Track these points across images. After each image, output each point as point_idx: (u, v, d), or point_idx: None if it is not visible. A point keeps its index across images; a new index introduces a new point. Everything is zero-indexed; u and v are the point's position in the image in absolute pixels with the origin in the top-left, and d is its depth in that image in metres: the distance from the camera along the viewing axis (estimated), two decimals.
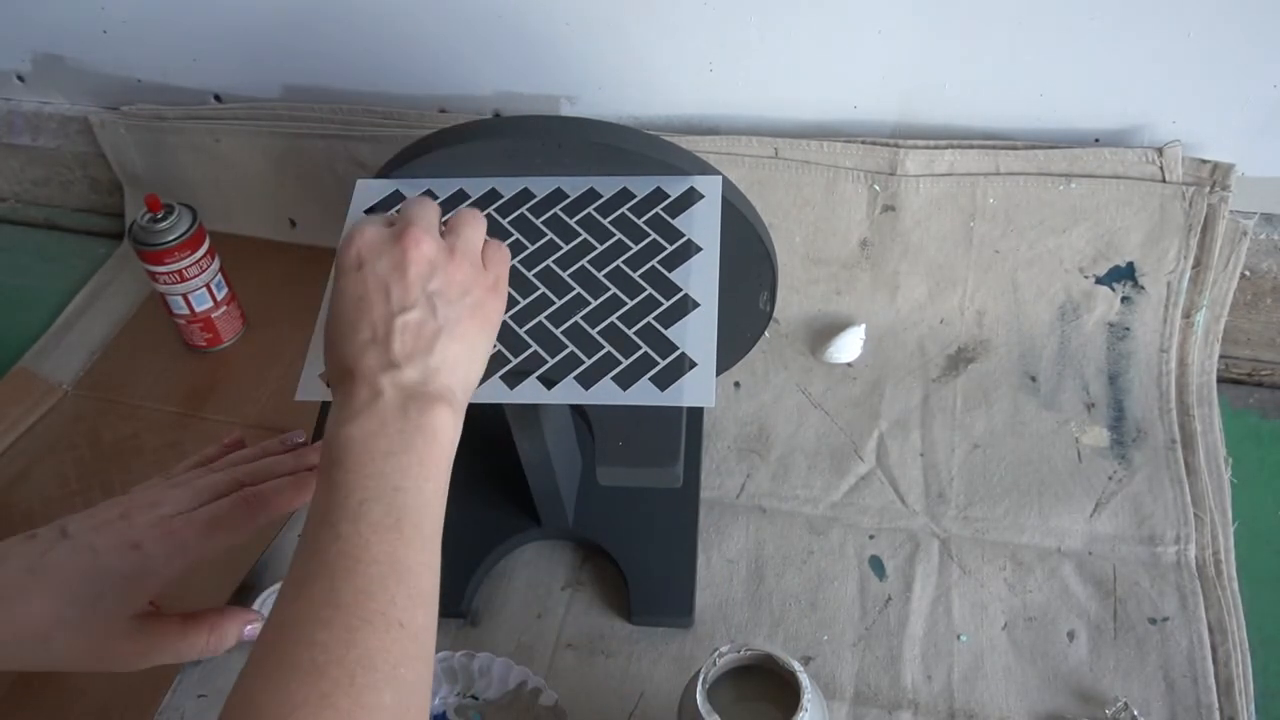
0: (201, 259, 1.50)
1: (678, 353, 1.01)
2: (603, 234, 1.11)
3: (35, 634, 0.94)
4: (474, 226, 0.98)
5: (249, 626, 1.10)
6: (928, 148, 1.42)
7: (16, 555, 0.96)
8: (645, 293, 1.06)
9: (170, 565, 0.98)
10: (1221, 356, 1.44)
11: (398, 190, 1.17)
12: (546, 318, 1.05)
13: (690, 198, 1.12)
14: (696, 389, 0.99)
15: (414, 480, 0.84)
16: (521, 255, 1.10)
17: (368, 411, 0.85)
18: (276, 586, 1.20)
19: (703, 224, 1.10)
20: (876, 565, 1.27)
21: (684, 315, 1.03)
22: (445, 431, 0.87)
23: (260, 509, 1.02)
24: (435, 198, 1.16)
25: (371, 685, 0.73)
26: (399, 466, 0.83)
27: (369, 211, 1.17)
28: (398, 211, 1.00)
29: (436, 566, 0.84)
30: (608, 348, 1.02)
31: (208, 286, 1.52)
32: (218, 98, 1.69)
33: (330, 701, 0.71)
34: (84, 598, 0.95)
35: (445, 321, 0.91)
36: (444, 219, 1.00)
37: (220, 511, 1.01)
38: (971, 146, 1.42)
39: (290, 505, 1.03)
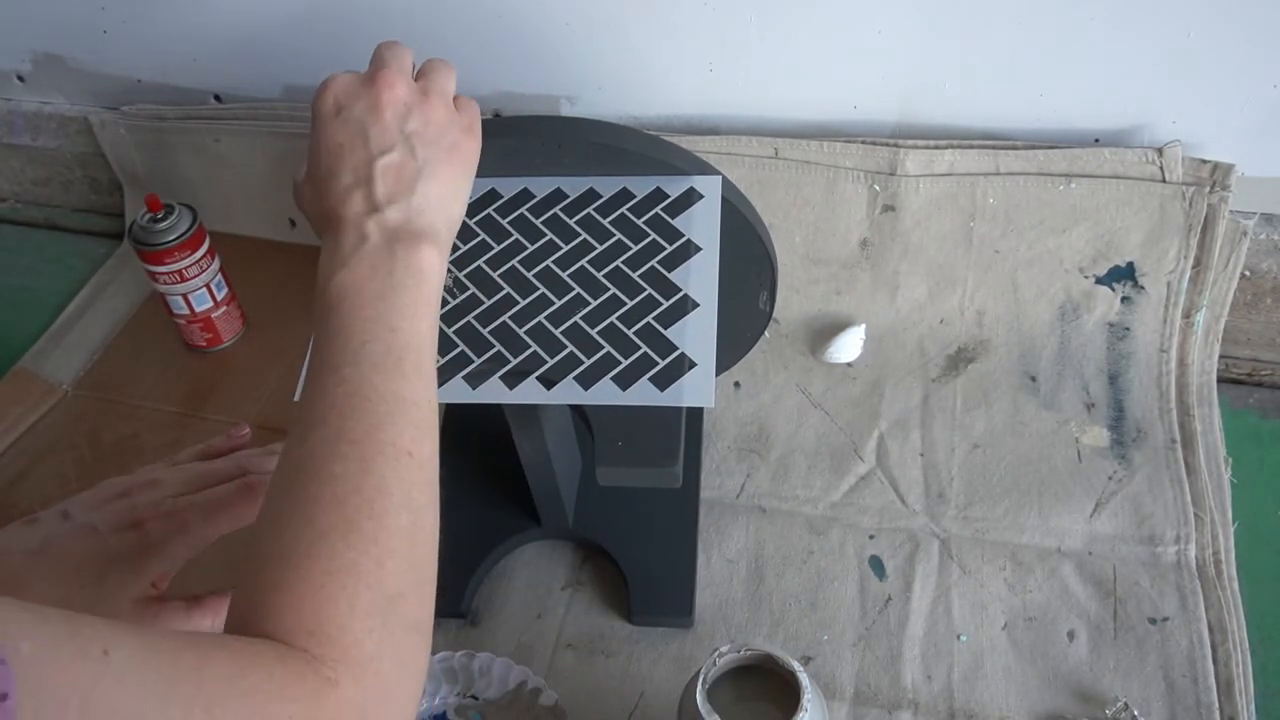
0: (201, 259, 1.50)
1: (677, 353, 1.01)
2: (602, 234, 1.11)
3: None
4: (445, 72, 0.97)
5: None
6: (928, 148, 1.42)
7: (18, 539, 0.96)
8: (645, 293, 1.06)
9: (171, 545, 0.97)
10: (1221, 356, 1.44)
11: None
12: (546, 318, 1.05)
13: (690, 198, 1.12)
14: (696, 389, 0.99)
15: (408, 319, 0.85)
16: (521, 255, 1.10)
17: (355, 256, 0.86)
18: None
19: (702, 224, 1.10)
20: (876, 565, 1.28)
21: (683, 315, 1.04)
22: (433, 269, 0.88)
23: (261, 496, 1.01)
24: None
25: (389, 509, 0.76)
26: (393, 307, 0.84)
27: None
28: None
29: (435, 400, 0.85)
30: (607, 348, 1.02)
31: (208, 286, 1.52)
32: (218, 98, 1.69)
33: (355, 525, 0.74)
34: (87, 578, 0.95)
35: (424, 162, 0.91)
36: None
37: (222, 495, 1.00)
38: (971, 146, 1.42)
39: None
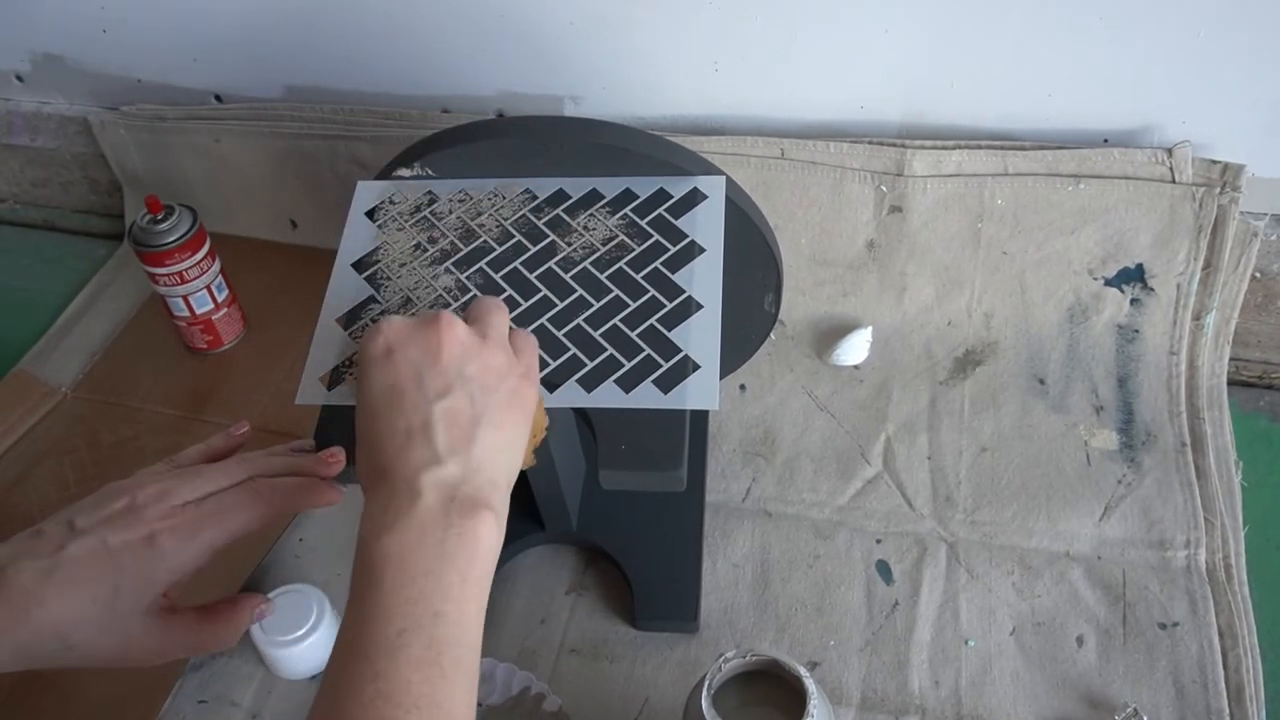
0: (202, 260, 1.50)
1: (681, 355, 1.01)
2: (605, 235, 1.11)
3: (54, 633, 0.93)
4: (499, 314, 0.95)
5: (257, 609, 1.09)
6: (935, 148, 1.42)
7: (27, 554, 0.95)
8: (648, 295, 1.06)
9: (182, 555, 0.97)
10: (1231, 359, 1.44)
11: (399, 191, 1.17)
12: (548, 320, 1.05)
13: (694, 198, 1.12)
14: (700, 392, 0.99)
15: (455, 602, 0.80)
16: (524, 257, 1.10)
17: (405, 519, 0.81)
18: (277, 592, 1.21)
19: (707, 225, 1.10)
20: (883, 570, 1.28)
21: (687, 317, 1.04)
22: (488, 541, 0.84)
23: (269, 501, 1.00)
24: (436, 199, 1.16)
25: None
26: (440, 587, 0.80)
27: (369, 213, 1.17)
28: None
29: (474, 703, 0.81)
30: (610, 350, 1.03)
31: (208, 288, 1.52)
32: (218, 98, 1.69)
33: None
34: (101, 595, 0.95)
35: (483, 409, 0.87)
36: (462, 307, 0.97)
37: (229, 500, 1.00)
38: (979, 147, 1.42)
39: (298, 505, 1.02)
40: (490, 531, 0.84)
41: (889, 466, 1.37)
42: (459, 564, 0.81)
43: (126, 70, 1.69)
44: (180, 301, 1.52)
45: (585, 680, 1.21)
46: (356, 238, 1.16)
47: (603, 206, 1.14)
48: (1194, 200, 1.37)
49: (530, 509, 1.27)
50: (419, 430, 0.84)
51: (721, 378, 1.06)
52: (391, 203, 1.17)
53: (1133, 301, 1.44)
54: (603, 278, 1.08)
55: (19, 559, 0.95)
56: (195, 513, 0.98)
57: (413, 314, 0.94)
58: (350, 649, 0.78)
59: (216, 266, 1.53)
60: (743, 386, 1.47)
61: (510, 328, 0.96)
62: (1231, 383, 1.43)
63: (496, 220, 1.14)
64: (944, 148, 1.42)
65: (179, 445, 1.26)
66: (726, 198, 1.12)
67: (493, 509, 0.84)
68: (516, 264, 1.10)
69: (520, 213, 1.14)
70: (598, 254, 1.10)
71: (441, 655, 0.78)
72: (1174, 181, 1.38)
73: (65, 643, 0.94)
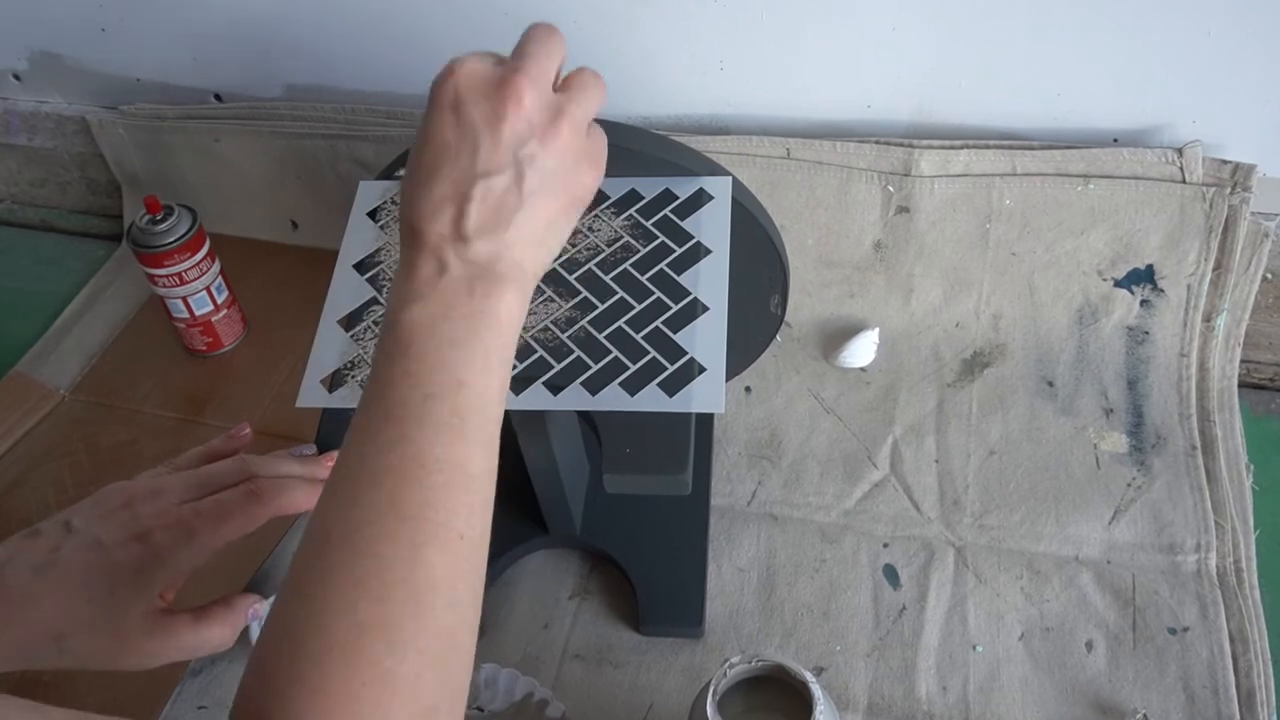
0: (201, 261, 1.50)
1: (686, 358, 1.01)
2: (610, 236, 1.11)
3: (48, 633, 0.94)
4: (593, 92, 0.88)
5: (253, 609, 1.09)
6: (943, 148, 1.43)
7: (23, 554, 0.96)
8: (653, 296, 1.06)
9: (178, 555, 0.98)
10: (1242, 361, 1.44)
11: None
12: (552, 322, 1.06)
13: (700, 199, 1.12)
14: (706, 395, 0.99)
15: (479, 374, 0.80)
16: None
17: (432, 291, 0.80)
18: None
19: (712, 226, 1.10)
20: (890, 574, 1.28)
21: (693, 319, 1.04)
22: (512, 317, 0.83)
23: (269, 501, 1.01)
24: None
25: (435, 608, 0.73)
26: (465, 358, 0.80)
27: (371, 214, 1.17)
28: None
29: (494, 468, 0.81)
30: (615, 353, 1.03)
31: (208, 290, 1.52)
32: (218, 97, 1.69)
33: (398, 626, 0.71)
34: (95, 593, 0.95)
35: (530, 193, 0.82)
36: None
37: (227, 501, 1.00)
38: (987, 147, 1.42)
39: (298, 507, 1.03)
40: (514, 309, 0.83)
41: (896, 470, 1.37)
42: (483, 338, 0.80)
43: (125, 69, 1.69)
44: (179, 303, 1.52)
45: (589, 686, 1.21)
46: (358, 238, 1.16)
47: (607, 207, 1.14)
48: (1204, 200, 1.37)
49: (534, 513, 1.27)
50: (455, 202, 0.81)
51: (727, 380, 1.06)
52: (394, 203, 1.18)
53: (1143, 303, 1.44)
54: (608, 279, 1.08)
55: (15, 559, 0.96)
56: (192, 513, 0.99)
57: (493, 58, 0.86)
58: (377, 412, 0.79)
59: (216, 268, 1.53)
60: (748, 389, 1.47)
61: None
62: (1242, 385, 1.43)
63: None
64: (952, 147, 1.42)
65: (178, 448, 1.27)
66: (733, 198, 1.12)
67: (519, 288, 0.83)
68: None
69: None
70: (602, 255, 1.10)
71: (465, 422, 0.78)
72: (1184, 182, 1.38)
73: (59, 643, 0.95)
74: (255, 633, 1.18)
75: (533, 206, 0.82)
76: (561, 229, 0.87)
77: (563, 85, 0.86)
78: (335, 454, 1.03)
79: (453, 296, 0.80)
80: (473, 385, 0.79)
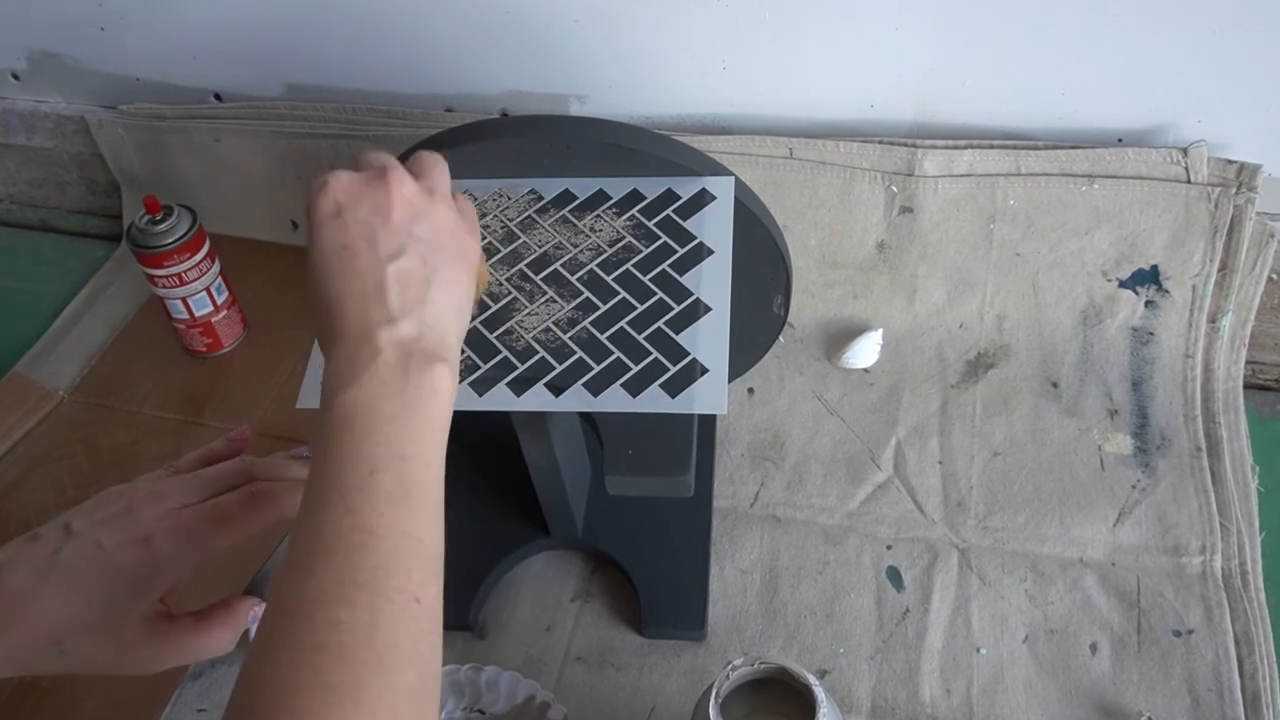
0: (201, 262, 1.50)
1: (689, 358, 1.01)
2: (612, 237, 1.11)
3: (48, 637, 0.94)
4: (442, 168, 0.96)
5: (253, 611, 1.09)
6: (946, 148, 1.43)
7: (23, 558, 0.96)
8: (655, 297, 1.06)
9: (179, 559, 0.97)
10: (1248, 362, 1.44)
11: None
12: (554, 323, 1.06)
13: (702, 199, 1.12)
14: (708, 396, 0.99)
15: (419, 446, 0.82)
16: (529, 258, 1.11)
17: (368, 373, 0.83)
18: None
19: (715, 226, 1.10)
20: (894, 576, 1.28)
21: (695, 320, 1.04)
22: (445, 389, 0.85)
23: (269, 505, 1.01)
24: None
25: (398, 665, 0.74)
26: (404, 432, 0.82)
27: None
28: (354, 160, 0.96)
29: (442, 534, 0.83)
30: (617, 354, 1.03)
31: (208, 290, 1.53)
32: (218, 96, 1.69)
33: (363, 684, 0.72)
34: (95, 597, 0.95)
35: (434, 268, 0.88)
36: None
37: (228, 504, 1.00)
38: (991, 146, 1.42)
39: (298, 509, 1.03)
40: (445, 381, 0.85)
41: (900, 471, 1.37)
42: (421, 411, 0.83)
43: (124, 68, 1.69)
44: (179, 304, 1.52)
45: (591, 689, 1.21)
46: None
47: (609, 207, 1.14)
48: (1209, 201, 1.38)
49: (535, 514, 1.27)
50: (374, 291, 0.85)
51: (730, 381, 1.06)
52: None
53: (1147, 304, 1.44)
54: (609, 280, 1.08)
55: (14, 562, 0.95)
56: (193, 516, 0.99)
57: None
58: (325, 488, 0.80)
59: (216, 268, 1.54)
60: (751, 390, 1.47)
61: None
62: (1247, 386, 1.43)
63: (501, 221, 1.14)
64: (955, 147, 1.43)
65: (178, 450, 1.27)
66: (735, 199, 1.12)
67: (447, 361, 0.86)
68: (522, 266, 1.10)
69: (525, 214, 1.14)
70: (604, 256, 1.10)
71: (410, 491, 0.81)
72: (1189, 182, 1.38)
73: (59, 647, 0.94)
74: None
75: (440, 279, 0.88)
76: (467, 299, 0.93)
77: (416, 171, 0.94)
78: None
79: (387, 377, 0.83)
80: (414, 456, 0.82)
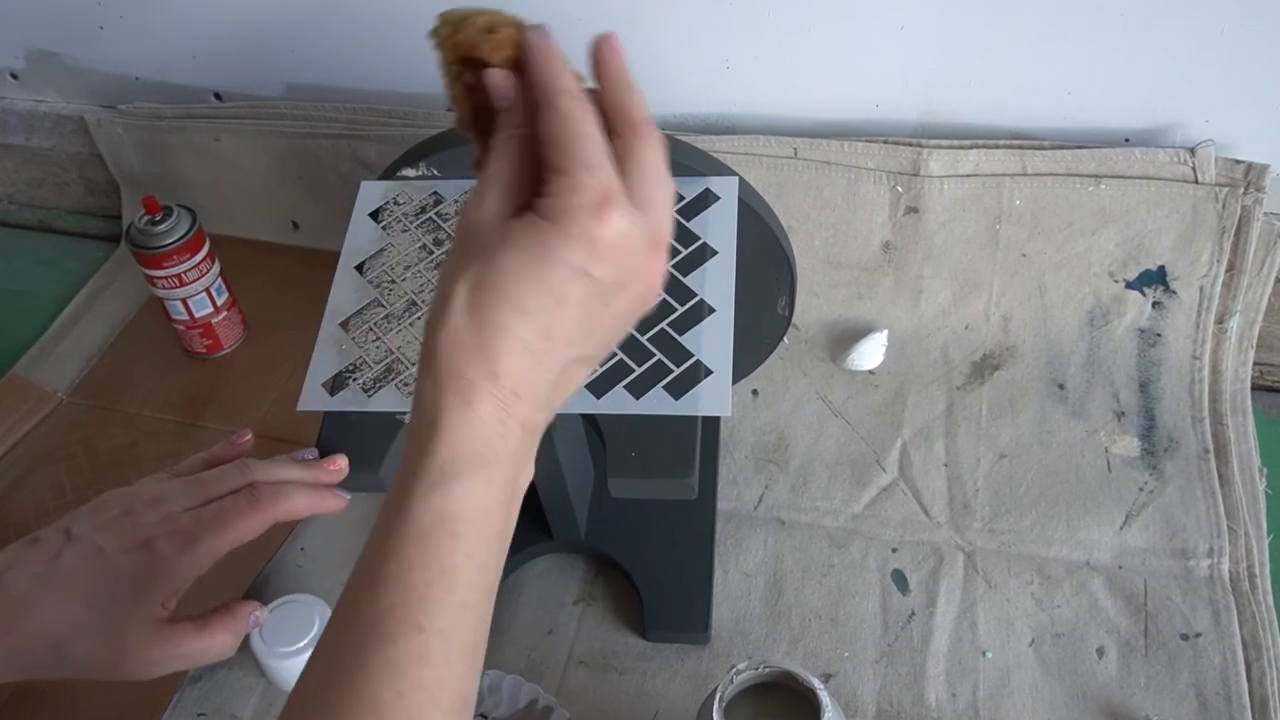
0: (201, 263, 1.50)
1: (692, 360, 1.01)
2: None
3: (48, 641, 0.94)
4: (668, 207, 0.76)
5: (253, 616, 1.09)
6: (952, 148, 1.43)
7: (23, 562, 0.96)
8: (659, 298, 1.06)
9: (180, 563, 0.97)
10: (1256, 363, 1.44)
11: (404, 191, 1.18)
12: None
13: (706, 199, 1.12)
14: (712, 397, 0.99)
15: (498, 576, 0.75)
16: None
17: (497, 462, 0.72)
18: (278, 602, 1.21)
19: (719, 226, 1.10)
20: (899, 579, 1.28)
21: (699, 321, 1.04)
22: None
23: (271, 507, 1.00)
24: (442, 199, 1.17)
25: None
26: (500, 555, 0.74)
27: (373, 214, 1.17)
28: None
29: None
30: (620, 355, 1.03)
31: (207, 291, 1.53)
32: (218, 96, 1.70)
33: None
34: (96, 601, 0.95)
35: (593, 354, 0.76)
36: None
37: (229, 507, 1.00)
38: (997, 146, 1.42)
39: (300, 512, 1.02)
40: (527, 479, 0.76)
41: (905, 474, 1.38)
42: (510, 526, 0.75)
43: (124, 68, 1.69)
44: (179, 305, 1.52)
45: (594, 692, 1.21)
46: (360, 239, 1.16)
47: None
48: (1217, 201, 1.38)
49: (538, 518, 1.27)
50: (543, 363, 0.71)
51: (734, 383, 1.06)
52: (396, 203, 1.18)
53: (1154, 305, 1.44)
54: None
55: (14, 567, 0.95)
56: (194, 520, 0.99)
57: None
58: (397, 608, 0.68)
59: (216, 269, 1.54)
60: (755, 391, 1.47)
61: None
62: (1255, 388, 1.43)
63: None
64: (961, 147, 1.43)
65: (177, 452, 1.27)
66: (739, 199, 1.13)
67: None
68: None
69: None
70: None
71: (480, 642, 0.73)
72: (1197, 182, 1.38)
73: (59, 652, 0.95)
74: (257, 645, 1.18)
75: (582, 369, 0.77)
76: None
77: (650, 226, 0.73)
78: (336, 458, 1.03)
79: (509, 476, 0.73)
80: (492, 594, 0.75)
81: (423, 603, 0.68)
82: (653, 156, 0.74)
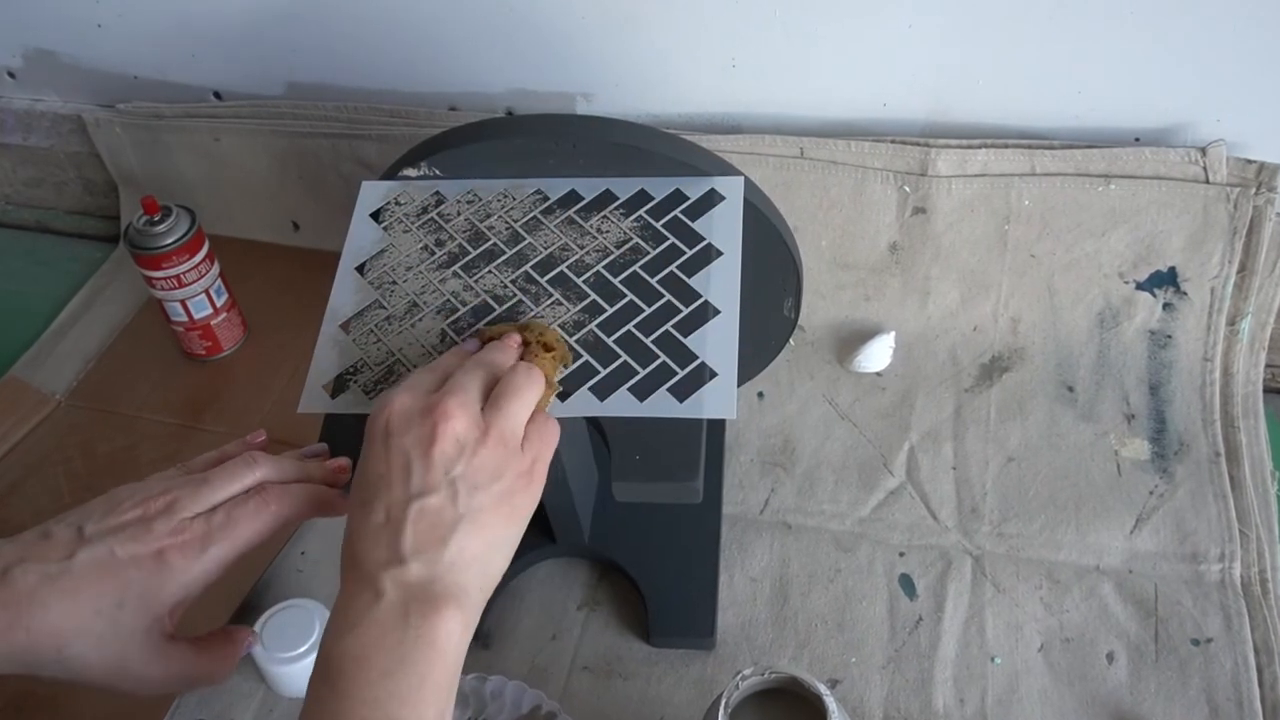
0: (200, 263, 1.50)
1: (698, 362, 1.01)
2: (619, 238, 1.11)
3: (52, 641, 0.94)
4: (521, 400, 0.92)
5: (247, 640, 1.09)
6: (960, 147, 1.43)
7: (34, 558, 0.96)
8: (663, 299, 1.06)
9: (191, 572, 0.97)
10: (1267, 365, 1.44)
11: (405, 191, 1.18)
12: (560, 326, 1.06)
13: (711, 200, 1.13)
14: (717, 400, 0.99)
15: (412, 706, 0.80)
16: (534, 260, 1.11)
17: (366, 619, 0.82)
18: (278, 607, 1.21)
19: (724, 227, 1.10)
20: (906, 584, 1.28)
21: (704, 323, 1.04)
22: (451, 641, 0.84)
23: (280, 506, 1.00)
24: (443, 200, 1.17)
25: None
26: (396, 691, 0.80)
27: (374, 215, 1.17)
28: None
29: None
30: (624, 357, 1.03)
31: (207, 292, 1.53)
32: (218, 95, 1.70)
33: None
34: (104, 606, 0.95)
35: (466, 511, 0.85)
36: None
37: (239, 510, 1.00)
38: (1006, 146, 1.42)
39: (307, 513, 1.02)
40: (453, 632, 0.84)
41: (912, 477, 1.38)
42: (418, 667, 0.81)
43: (122, 66, 1.70)
44: (178, 306, 1.53)
45: (598, 699, 1.21)
46: (361, 240, 1.16)
47: (616, 208, 1.14)
48: (1229, 201, 1.38)
49: (541, 521, 1.27)
50: (390, 526, 0.85)
51: (739, 385, 1.06)
52: (397, 204, 1.18)
53: (1165, 306, 1.44)
54: (616, 282, 1.08)
55: (25, 561, 0.95)
56: (205, 527, 0.98)
57: (421, 378, 0.93)
58: None
59: (215, 270, 1.54)
60: (761, 394, 1.47)
61: (535, 411, 0.95)
62: (1267, 390, 1.43)
63: (506, 222, 1.14)
64: (969, 147, 1.43)
65: (177, 455, 1.27)
66: (745, 199, 1.13)
67: (460, 609, 0.84)
68: (527, 268, 1.10)
69: (531, 214, 1.15)
70: (611, 257, 1.10)
71: None
72: (1208, 182, 1.38)
73: (62, 653, 0.95)
74: (257, 650, 1.18)
75: (470, 525, 0.86)
76: (505, 544, 0.90)
77: (491, 397, 0.92)
78: (340, 462, 1.04)
79: (387, 623, 0.82)
80: (406, 719, 0.80)
81: None
82: (508, 378, 0.95)
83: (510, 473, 0.89)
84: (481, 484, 0.87)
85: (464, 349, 0.99)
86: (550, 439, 0.95)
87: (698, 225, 1.11)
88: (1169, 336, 1.44)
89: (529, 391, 0.93)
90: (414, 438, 0.86)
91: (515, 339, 1.00)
